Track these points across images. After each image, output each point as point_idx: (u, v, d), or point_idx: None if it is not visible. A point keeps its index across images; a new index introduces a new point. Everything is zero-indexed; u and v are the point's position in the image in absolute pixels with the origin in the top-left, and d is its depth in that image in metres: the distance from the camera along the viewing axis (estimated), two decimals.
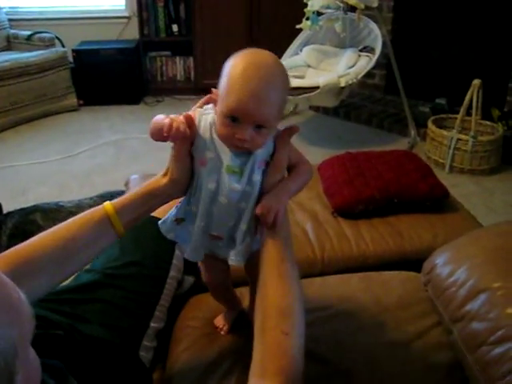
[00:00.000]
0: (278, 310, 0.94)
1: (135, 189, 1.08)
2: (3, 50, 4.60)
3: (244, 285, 1.35)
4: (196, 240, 1.06)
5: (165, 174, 1.05)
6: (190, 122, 0.98)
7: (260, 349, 0.92)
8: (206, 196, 1.01)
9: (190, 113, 1.01)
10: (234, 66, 0.93)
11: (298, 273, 1.01)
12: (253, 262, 1.11)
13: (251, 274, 1.23)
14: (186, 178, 1.04)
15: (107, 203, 1.04)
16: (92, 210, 1.04)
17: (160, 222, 1.10)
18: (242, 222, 1.02)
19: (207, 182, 1.00)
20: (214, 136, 0.99)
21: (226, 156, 0.99)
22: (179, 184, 1.04)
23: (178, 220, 1.08)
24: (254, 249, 1.08)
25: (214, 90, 0.99)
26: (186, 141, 0.99)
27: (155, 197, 1.05)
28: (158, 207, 1.08)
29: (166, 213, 1.39)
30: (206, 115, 1.01)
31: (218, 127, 0.97)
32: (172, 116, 0.98)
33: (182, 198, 1.08)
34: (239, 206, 1.02)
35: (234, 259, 1.05)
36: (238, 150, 0.98)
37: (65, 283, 1.25)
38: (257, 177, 1.00)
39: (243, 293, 1.38)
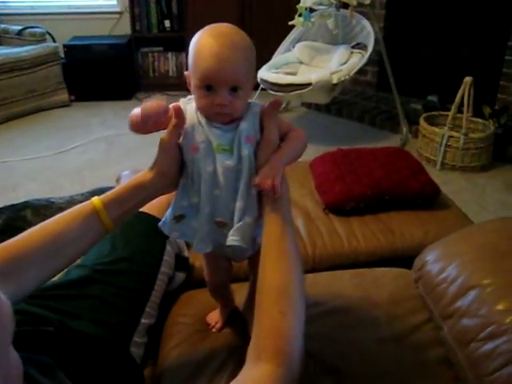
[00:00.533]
0: (275, 289, 0.93)
1: (123, 183, 1.07)
2: None
3: (237, 281, 1.35)
4: (202, 229, 1.05)
5: (151, 168, 1.04)
6: (179, 111, 1.00)
7: (257, 329, 0.90)
8: (207, 180, 1.01)
9: (176, 103, 1.03)
10: (196, 41, 0.98)
11: (298, 252, 0.99)
12: (255, 261, 1.11)
13: (253, 271, 1.23)
14: (174, 170, 1.04)
15: (95, 198, 1.03)
16: (80, 205, 1.04)
17: (160, 224, 1.09)
18: (238, 199, 1.01)
19: (205, 166, 1.00)
20: (201, 119, 1.01)
21: (215, 136, 1.00)
22: (167, 177, 1.04)
23: (177, 218, 1.07)
24: (259, 241, 1.08)
25: (185, 72, 1.02)
26: (176, 130, 1.00)
27: (143, 190, 1.04)
28: (147, 202, 1.07)
29: (156, 209, 1.39)
30: (190, 104, 1.03)
31: (196, 102, 1.00)
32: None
33: (173, 195, 1.08)
34: (236, 186, 1.01)
35: (231, 238, 1.02)
36: (220, 119, 0.99)
37: (55, 279, 1.24)
38: (245, 151, 1.00)
39: (235, 289, 1.38)
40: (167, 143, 1.01)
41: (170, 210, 1.08)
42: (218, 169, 1.00)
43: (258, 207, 1.03)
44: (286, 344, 0.87)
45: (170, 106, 1.00)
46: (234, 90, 0.97)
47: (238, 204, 1.01)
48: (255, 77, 1.03)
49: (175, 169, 1.04)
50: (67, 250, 1.01)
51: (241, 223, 1.01)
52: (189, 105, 1.03)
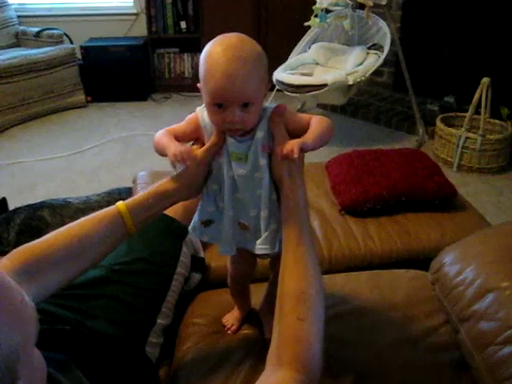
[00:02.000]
0: (293, 295, 0.94)
1: (147, 189, 1.09)
2: (12, 47, 4.61)
3: (253, 282, 1.34)
4: (227, 232, 1.07)
5: (178, 177, 1.06)
6: (221, 134, 1.01)
7: (277, 336, 0.91)
8: (228, 184, 1.03)
9: (193, 114, 1.07)
10: (204, 56, 0.97)
11: (316, 257, 1.00)
12: (277, 259, 1.11)
13: (274, 269, 1.23)
14: (199, 182, 1.06)
15: (120, 203, 1.05)
16: (105, 209, 1.06)
17: (189, 229, 1.12)
18: (262, 208, 1.03)
19: (227, 171, 1.03)
20: None
21: (230, 144, 1.01)
22: (192, 188, 1.07)
23: (205, 223, 1.09)
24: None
25: (198, 84, 1.01)
26: (215, 150, 1.02)
27: (167, 198, 1.06)
28: (169, 207, 1.10)
29: (172, 210, 1.39)
30: (206, 111, 1.04)
31: (209, 117, 1.01)
32: (175, 147, 1.00)
33: (198, 200, 1.10)
34: (256, 194, 1.03)
35: (260, 247, 1.04)
36: (234, 134, 1.00)
37: None
38: (263, 161, 1.01)
39: (252, 290, 1.38)
40: (203, 159, 1.03)
41: (196, 215, 1.11)
42: (235, 175, 1.03)
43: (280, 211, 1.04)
44: (305, 350, 0.87)
45: (213, 135, 1.02)
46: (245, 105, 0.96)
47: (263, 213, 1.03)
48: (268, 83, 1.02)
49: (201, 181, 1.06)
50: (91, 252, 1.03)
51: (268, 232, 1.04)
52: (205, 112, 1.04)
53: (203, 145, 1.05)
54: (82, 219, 1.05)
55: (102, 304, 1.27)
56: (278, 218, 1.04)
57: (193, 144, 1.08)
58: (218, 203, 1.07)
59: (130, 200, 1.06)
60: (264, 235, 1.04)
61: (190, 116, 1.08)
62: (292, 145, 0.95)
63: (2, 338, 0.59)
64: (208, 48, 0.97)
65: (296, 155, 0.94)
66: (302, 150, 0.96)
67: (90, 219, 1.05)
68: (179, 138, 1.05)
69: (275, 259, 1.17)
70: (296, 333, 0.89)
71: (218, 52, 0.94)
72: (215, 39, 0.98)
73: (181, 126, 1.08)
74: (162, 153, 1.04)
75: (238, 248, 1.14)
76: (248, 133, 1.01)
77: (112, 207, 1.05)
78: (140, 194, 1.08)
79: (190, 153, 0.99)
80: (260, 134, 1.01)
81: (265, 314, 1.32)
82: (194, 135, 1.07)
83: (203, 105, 1.04)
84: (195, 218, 1.11)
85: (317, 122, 1.02)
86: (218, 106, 0.96)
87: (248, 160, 1.01)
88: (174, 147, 0.99)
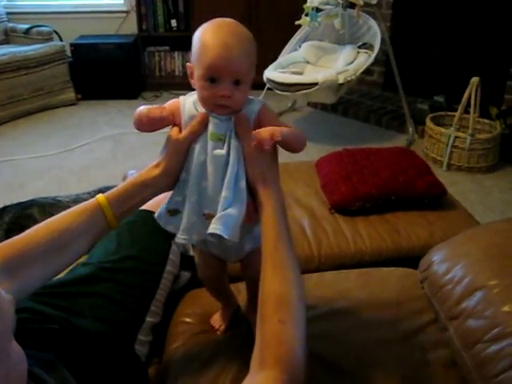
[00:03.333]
0: (273, 298, 0.93)
1: (127, 180, 1.08)
2: (1, 44, 4.59)
3: (240, 280, 1.34)
4: (188, 220, 1.03)
5: (157, 165, 1.05)
6: (203, 119, 1.01)
7: (259, 339, 0.91)
8: (196, 169, 1.01)
9: (173, 100, 1.07)
10: (201, 33, 0.99)
11: (295, 260, 0.99)
12: (247, 261, 1.11)
13: (245, 274, 1.24)
14: (178, 170, 1.04)
15: (100, 195, 1.04)
16: (85, 202, 1.05)
17: (156, 215, 1.09)
18: (223, 188, 1.00)
19: (198, 155, 1.01)
20: (199, 109, 1.02)
21: (211, 124, 1.01)
22: (171, 176, 1.05)
23: (172, 212, 1.07)
24: (246, 249, 1.10)
25: (188, 64, 1.03)
26: (195, 135, 1.02)
27: (146, 188, 1.05)
28: (150, 198, 1.08)
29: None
30: (188, 98, 1.06)
31: (199, 93, 1.01)
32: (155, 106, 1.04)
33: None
34: (224, 178, 1.01)
35: (212, 226, 0.99)
36: (221, 111, 1.00)
37: (60, 276, 1.25)
38: (234, 142, 1.01)
39: (240, 288, 1.38)
40: (181, 145, 1.02)
41: (164, 204, 1.08)
42: (209, 157, 1.01)
43: (250, 210, 1.02)
44: (287, 352, 0.87)
45: (195, 120, 1.02)
46: (237, 83, 0.98)
47: (223, 193, 1.00)
48: (254, 72, 1.03)
49: (179, 168, 1.04)
50: (72, 246, 1.02)
51: (224, 213, 0.99)
52: (187, 99, 1.05)
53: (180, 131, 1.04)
54: (63, 213, 1.04)
55: (91, 302, 1.26)
56: (240, 208, 1.00)
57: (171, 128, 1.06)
58: (185, 192, 1.04)
59: (109, 192, 1.05)
60: (219, 215, 0.99)
61: (170, 101, 1.07)
62: (264, 132, 0.97)
63: None
64: (203, 27, 1.00)
65: (268, 146, 0.96)
66: (275, 136, 0.97)
67: (70, 212, 1.04)
68: (154, 113, 1.04)
69: (244, 264, 1.18)
70: (278, 335, 0.89)
71: (214, 28, 0.98)
72: (210, 21, 1.00)
73: (158, 106, 1.06)
74: (143, 119, 1.05)
75: (202, 251, 1.13)
76: (230, 114, 1.01)
77: (92, 200, 1.04)
78: (119, 186, 1.06)
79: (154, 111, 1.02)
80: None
81: (250, 312, 1.33)
82: (169, 118, 1.05)
83: (188, 94, 1.06)
84: (162, 206, 1.08)
85: (293, 127, 1.04)
86: (210, 80, 0.97)
87: (225, 140, 1.01)
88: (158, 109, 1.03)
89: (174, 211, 1.06)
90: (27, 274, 0.95)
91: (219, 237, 0.98)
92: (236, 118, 1.02)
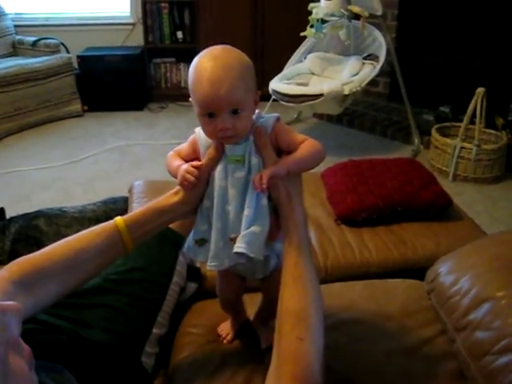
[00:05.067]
0: (292, 314, 0.94)
1: (146, 204, 1.10)
2: (9, 56, 4.62)
3: (248, 291, 1.34)
4: (216, 245, 1.04)
5: (176, 193, 1.06)
6: (219, 147, 1.03)
7: (276, 356, 0.91)
8: (219, 195, 1.02)
9: (192, 136, 1.09)
10: (192, 69, 0.99)
11: (315, 275, 1.00)
12: (271, 279, 1.11)
13: (266, 291, 1.24)
14: (197, 199, 1.06)
15: (118, 218, 1.06)
16: (103, 224, 1.07)
17: (184, 249, 1.11)
18: (245, 207, 1.01)
19: (219, 181, 1.02)
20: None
21: (227, 148, 1.02)
22: (190, 205, 1.07)
23: (199, 242, 1.08)
24: (272, 264, 1.11)
25: (190, 99, 1.02)
26: (213, 164, 1.03)
27: (165, 214, 1.07)
28: (167, 224, 1.11)
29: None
30: None
31: (202, 128, 1.02)
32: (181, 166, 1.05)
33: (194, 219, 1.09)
34: (246, 198, 1.02)
35: (237, 245, 1.00)
36: (227, 141, 1.01)
37: None
38: (254, 160, 1.01)
39: (246, 300, 1.38)
40: (202, 175, 1.03)
41: (191, 234, 1.09)
42: (230, 181, 1.02)
43: (272, 228, 1.03)
44: (303, 369, 0.87)
45: (211, 148, 1.03)
46: (235, 112, 0.97)
47: (246, 212, 1.01)
48: (257, 91, 1.03)
49: (199, 197, 1.06)
50: (87, 265, 1.04)
51: (247, 231, 1.00)
52: (202, 130, 1.05)
53: (200, 161, 1.06)
54: (80, 233, 1.06)
55: (98, 313, 1.26)
56: (264, 225, 1.01)
57: (191, 160, 1.08)
58: (210, 220, 1.05)
59: (127, 216, 1.07)
60: (243, 233, 1.00)
61: (191, 136, 1.10)
62: (261, 175, 0.98)
63: None
64: (195, 60, 1.00)
65: (264, 186, 0.97)
66: (271, 178, 0.98)
67: (88, 233, 1.06)
68: (184, 158, 1.08)
69: (265, 283, 1.19)
70: (295, 352, 0.89)
71: (203, 62, 0.97)
72: (201, 53, 1.00)
73: (185, 146, 1.10)
74: (173, 177, 1.07)
75: (226, 269, 1.13)
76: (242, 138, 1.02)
77: (110, 222, 1.06)
78: (138, 210, 1.09)
79: (190, 171, 1.02)
80: (253, 136, 1.03)
81: (258, 324, 1.33)
82: (194, 154, 1.08)
83: None
84: (190, 237, 1.10)
85: (304, 146, 1.05)
86: (208, 115, 0.97)
87: (245, 162, 1.02)
88: (179, 172, 1.03)
89: (201, 241, 1.08)
90: (43, 290, 0.97)
91: (245, 255, 1.00)
92: (255, 134, 1.03)
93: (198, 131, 1.07)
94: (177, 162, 1.07)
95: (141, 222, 1.06)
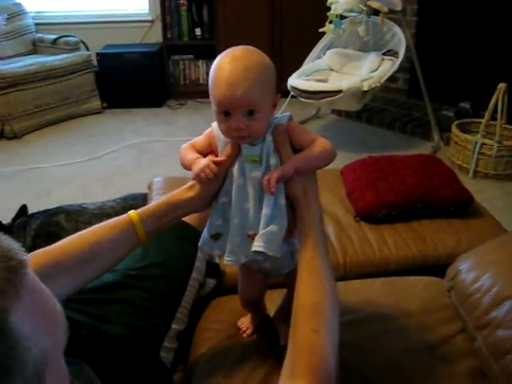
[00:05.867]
0: (308, 307, 0.94)
1: (160, 198, 1.11)
2: (29, 54, 4.67)
3: (268, 288, 1.34)
4: (233, 241, 1.06)
5: (190, 188, 1.07)
6: (236, 145, 1.04)
7: (291, 348, 0.91)
8: (237, 192, 1.04)
9: (208, 130, 1.10)
10: (212, 68, 1.01)
11: (330, 270, 1.01)
12: (292, 278, 1.11)
13: (291, 286, 1.23)
14: (212, 194, 1.07)
15: (132, 212, 1.07)
16: (118, 217, 1.08)
17: (199, 244, 1.12)
18: (263, 206, 1.02)
19: (237, 178, 1.04)
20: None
21: (245, 147, 1.04)
22: (204, 200, 1.08)
23: (214, 236, 1.09)
24: (290, 257, 1.12)
25: (210, 97, 1.03)
26: (230, 161, 1.04)
27: (179, 208, 1.08)
28: (182, 217, 1.12)
29: (189, 217, 1.40)
30: None
31: (218, 126, 1.04)
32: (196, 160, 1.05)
33: (207, 214, 1.10)
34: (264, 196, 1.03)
35: (256, 244, 1.02)
36: (242, 142, 1.03)
37: None
38: (273, 160, 1.03)
39: (267, 297, 1.37)
40: (219, 171, 1.03)
41: (205, 230, 1.11)
42: (247, 180, 1.03)
43: (290, 224, 1.04)
44: (318, 361, 0.87)
45: (228, 146, 1.04)
46: (251, 113, 0.98)
47: (264, 211, 1.02)
48: (275, 94, 1.04)
49: (214, 192, 1.07)
50: (102, 259, 1.05)
51: (266, 230, 1.02)
52: None
53: (217, 156, 1.07)
54: (95, 226, 1.07)
55: (117, 309, 1.27)
56: (281, 223, 1.03)
57: (206, 155, 1.08)
58: (226, 216, 1.07)
59: (141, 209, 1.08)
60: (261, 232, 1.02)
61: (207, 130, 1.11)
62: (269, 176, 0.99)
63: (35, 341, 0.59)
64: (216, 60, 1.01)
65: (273, 188, 0.99)
66: (279, 179, 1.00)
67: (102, 226, 1.07)
68: (199, 151, 1.09)
69: (290, 278, 1.17)
70: (310, 344, 0.89)
71: (223, 63, 0.99)
72: (223, 53, 1.01)
73: (200, 139, 1.11)
74: (186, 169, 1.08)
75: (249, 267, 1.16)
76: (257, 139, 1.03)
77: (124, 215, 1.07)
78: (152, 204, 1.10)
79: (211, 167, 1.02)
80: (270, 137, 1.03)
81: (278, 321, 1.32)
82: (210, 148, 1.09)
83: None
84: (204, 232, 1.11)
85: (314, 146, 1.05)
86: (224, 114, 0.99)
87: (262, 161, 1.03)
88: (195, 165, 1.04)
89: (216, 235, 1.09)
90: (59, 282, 0.98)
91: (263, 254, 1.02)
92: (275, 132, 1.04)
93: (215, 126, 1.07)
94: (192, 154, 1.07)
95: (155, 215, 1.07)
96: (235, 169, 1.04)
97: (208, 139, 1.09)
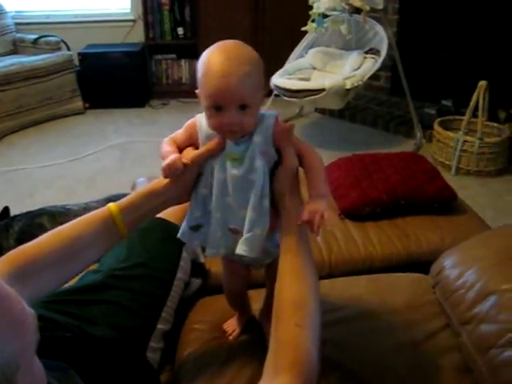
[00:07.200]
0: (291, 302, 0.94)
1: (138, 189, 1.09)
2: (9, 54, 4.61)
3: (253, 287, 1.34)
4: (214, 234, 1.07)
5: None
6: (220, 143, 1.02)
7: (274, 343, 0.91)
8: (218, 186, 1.03)
9: (191, 120, 1.08)
10: (202, 61, 0.98)
11: (313, 266, 1.01)
12: (272, 268, 1.11)
13: (271, 279, 1.23)
14: (189, 182, 1.06)
15: (112, 204, 1.05)
16: (97, 210, 1.06)
17: (179, 235, 1.11)
18: (249, 209, 1.02)
19: (218, 173, 1.03)
20: None
21: (229, 145, 1.02)
22: (181, 187, 1.06)
23: (194, 227, 1.09)
24: (276, 251, 1.09)
25: (196, 91, 1.02)
26: (209, 155, 1.03)
27: (157, 196, 1.06)
28: (162, 209, 1.09)
29: (173, 215, 1.40)
30: (204, 117, 1.05)
31: (207, 121, 1.02)
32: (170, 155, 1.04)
33: (187, 206, 1.10)
34: (247, 197, 1.02)
35: (240, 247, 1.02)
36: (231, 136, 1.01)
37: (71, 284, 1.26)
38: (258, 163, 1.01)
39: (252, 296, 1.38)
40: (195, 161, 1.03)
41: (184, 222, 1.10)
42: (228, 176, 1.02)
43: (271, 220, 1.04)
44: (302, 355, 0.87)
45: (212, 141, 1.03)
46: (243, 107, 0.96)
47: (249, 215, 1.02)
48: (264, 90, 1.03)
49: (191, 182, 1.06)
50: (83, 254, 1.03)
51: (250, 234, 1.02)
52: (203, 117, 1.05)
53: (197, 148, 1.06)
54: (74, 221, 1.05)
55: (102, 310, 1.26)
56: (265, 225, 1.03)
57: (186, 147, 1.08)
58: (207, 207, 1.06)
59: (121, 201, 1.06)
60: (245, 236, 1.02)
61: (188, 122, 1.09)
62: (320, 216, 0.97)
63: (1, 349, 0.59)
64: (205, 53, 0.98)
65: (319, 228, 0.97)
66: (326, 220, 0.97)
67: (82, 220, 1.05)
68: (179, 145, 1.07)
69: (270, 269, 1.18)
70: (294, 339, 0.89)
71: (214, 55, 0.96)
72: (212, 46, 0.99)
73: (180, 132, 1.10)
74: (167, 174, 1.06)
75: (231, 259, 1.16)
76: (245, 135, 1.02)
77: (103, 208, 1.05)
78: (130, 195, 1.08)
79: (176, 163, 1.01)
80: (258, 138, 1.02)
81: (264, 321, 1.32)
82: (190, 141, 1.08)
83: (204, 112, 1.05)
84: (183, 224, 1.10)
85: (314, 158, 1.05)
86: (215, 108, 0.97)
87: (244, 162, 1.01)
88: (166, 160, 1.02)
89: (196, 227, 1.09)
90: (38, 280, 0.96)
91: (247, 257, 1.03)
92: (283, 130, 1.03)
93: (199, 118, 1.06)
94: (168, 148, 1.06)
95: (134, 205, 1.05)
96: (216, 163, 1.03)
97: (189, 130, 1.08)
